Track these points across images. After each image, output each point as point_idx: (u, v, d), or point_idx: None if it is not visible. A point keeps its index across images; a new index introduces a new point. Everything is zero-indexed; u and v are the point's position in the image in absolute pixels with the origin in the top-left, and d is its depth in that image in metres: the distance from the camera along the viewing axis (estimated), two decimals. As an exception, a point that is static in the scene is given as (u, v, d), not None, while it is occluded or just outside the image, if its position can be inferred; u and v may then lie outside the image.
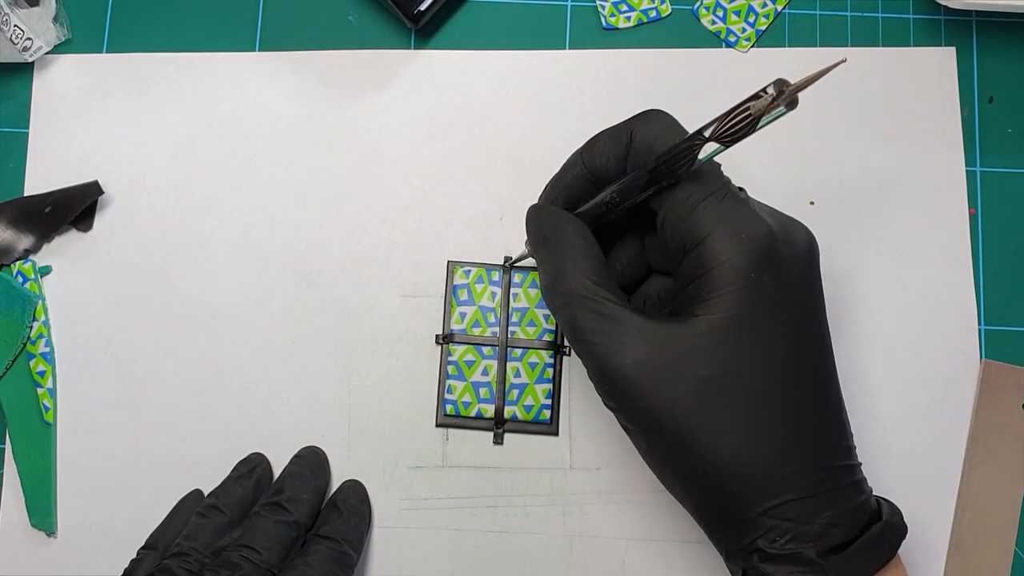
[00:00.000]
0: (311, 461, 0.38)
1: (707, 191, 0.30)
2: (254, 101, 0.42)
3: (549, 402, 0.39)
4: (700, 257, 0.29)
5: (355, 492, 0.37)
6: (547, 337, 0.39)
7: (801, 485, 0.28)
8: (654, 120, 0.32)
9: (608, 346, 0.30)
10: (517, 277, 0.39)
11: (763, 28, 0.42)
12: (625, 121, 0.33)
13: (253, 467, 0.38)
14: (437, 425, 0.39)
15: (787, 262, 0.29)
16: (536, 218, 0.34)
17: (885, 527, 0.29)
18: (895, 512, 0.30)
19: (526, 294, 0.39)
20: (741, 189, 0.32)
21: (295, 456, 0.38)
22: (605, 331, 0.30)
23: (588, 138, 0.33)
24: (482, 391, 0.39)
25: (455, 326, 0.39)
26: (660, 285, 0.35)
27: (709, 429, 0.29)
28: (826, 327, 0.31)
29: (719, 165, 0.31)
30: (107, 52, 0.42)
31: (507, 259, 0.40)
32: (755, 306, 0.29)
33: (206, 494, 0.37)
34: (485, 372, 0.39)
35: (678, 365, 0.29)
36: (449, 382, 0.39)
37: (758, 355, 0.29)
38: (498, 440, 0.39)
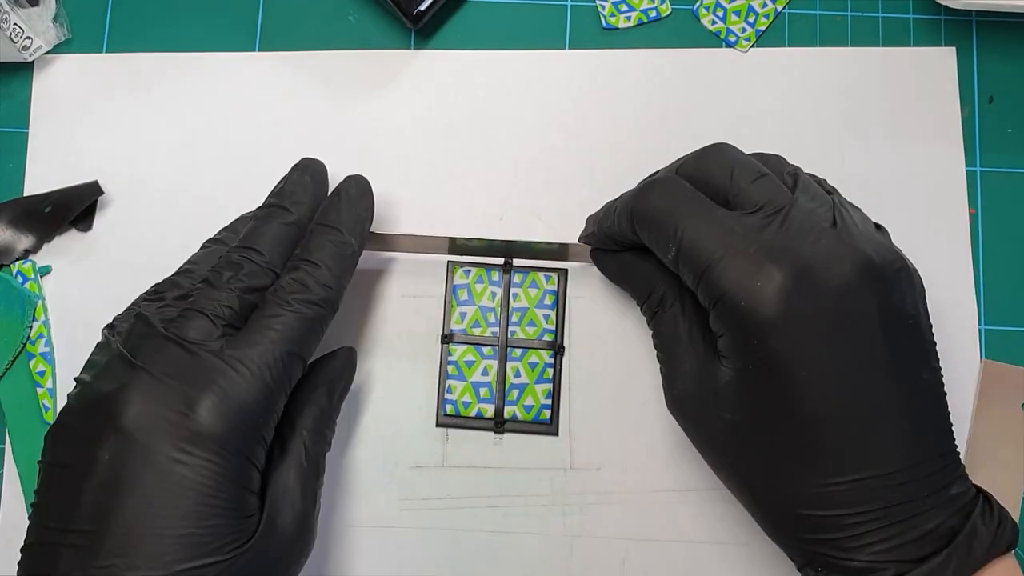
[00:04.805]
0: (313, 168, 0.36)
1: (717, 252, 0.30)
2: (254, 101, 0.42)
3: (549, 402, 0.39)
4: (712, 320, 0.31)
5: (357, 184, 0.36)
6: (547, 337, 0.39)
7: (842, 525, 0.28)
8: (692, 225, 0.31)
9: (666, 372, 0.34)
10: (517, 277, 0.39)
11: (763, 28, 0.42)
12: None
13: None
14: (437, 425, 0.39)
15: (814, 302, 0.29)
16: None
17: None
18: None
19: (526, 294, 0.39)
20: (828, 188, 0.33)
21: (295, 165, 0.36)
22: (669, 355, 0.33)
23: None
24: (482, 391, 0.39)
25: (455, 326, 0.39)
26: None
27: (737, 468, 0.31)
28: (895, 348, 0.29)
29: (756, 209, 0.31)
30: (107, 52, 0.42)
31: (507, 259, 0.40)
32: (769, 362, 0.29)
33: None
34: (485, 372, 0.39)
35: (709, 405, 0.31)
36: (449, 382, 0.39)
37: (781, 402, 0.29)
38: (498, 439, 0.39)
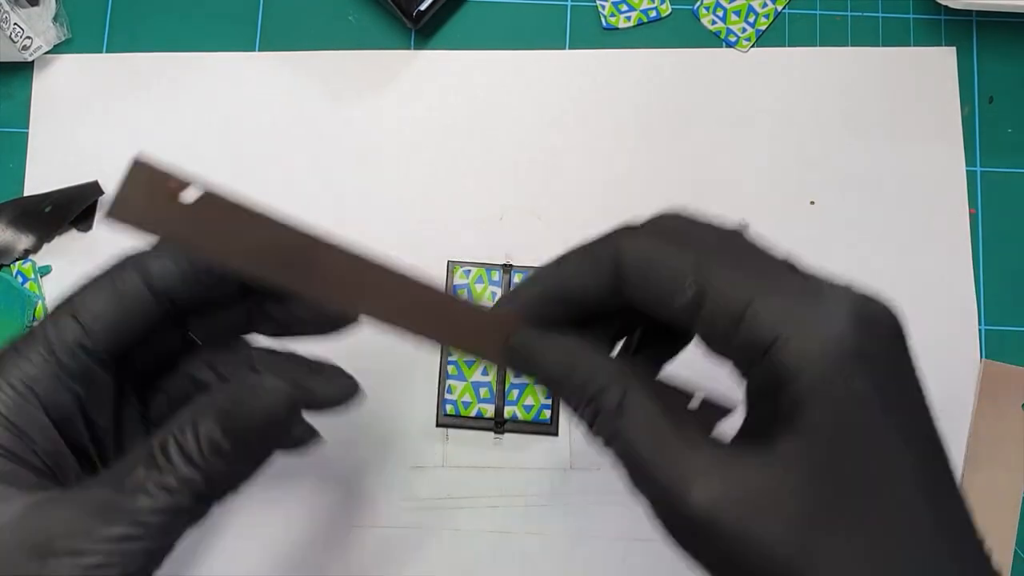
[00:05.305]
0: None
1: (753, 282, 0.23)
2: (254, 101, 0.42)
3: (549, 402, 0.39)
4: (769, 371, 0.23)
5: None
6: (547, 337, 0.39)
7: None
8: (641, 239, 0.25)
9: (673, 480, 0.24)
10: (517, 277, 0.39)
11: (763, 28, 0.42)
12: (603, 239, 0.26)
13: None
14: (437, 425, 0.39)
15: (877, 348, 0.24)
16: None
17: None
18: None
19: (526, 294, 0.39)
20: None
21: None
22: (670, 461, 0.24)
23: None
24: (482, 391, 0.39)
25: (455, 326, 0.39)
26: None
27: (822, 570, 0.23)
28: (932, 411, 0.25)
29: (744, 227, 0.25)
30: (107, 52, 0.42)
31: (507, 259, 0.40)
32: (855, 418, 0.23)
33: None
34: (485, 372, 0.39)
35: (768, 502, 0.23)
36: (449, 382, 0.39)
37: (872, 472, 0.23)
38: (498, 439, 0.39)
